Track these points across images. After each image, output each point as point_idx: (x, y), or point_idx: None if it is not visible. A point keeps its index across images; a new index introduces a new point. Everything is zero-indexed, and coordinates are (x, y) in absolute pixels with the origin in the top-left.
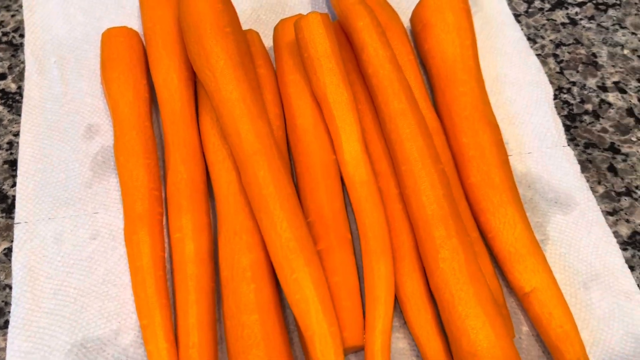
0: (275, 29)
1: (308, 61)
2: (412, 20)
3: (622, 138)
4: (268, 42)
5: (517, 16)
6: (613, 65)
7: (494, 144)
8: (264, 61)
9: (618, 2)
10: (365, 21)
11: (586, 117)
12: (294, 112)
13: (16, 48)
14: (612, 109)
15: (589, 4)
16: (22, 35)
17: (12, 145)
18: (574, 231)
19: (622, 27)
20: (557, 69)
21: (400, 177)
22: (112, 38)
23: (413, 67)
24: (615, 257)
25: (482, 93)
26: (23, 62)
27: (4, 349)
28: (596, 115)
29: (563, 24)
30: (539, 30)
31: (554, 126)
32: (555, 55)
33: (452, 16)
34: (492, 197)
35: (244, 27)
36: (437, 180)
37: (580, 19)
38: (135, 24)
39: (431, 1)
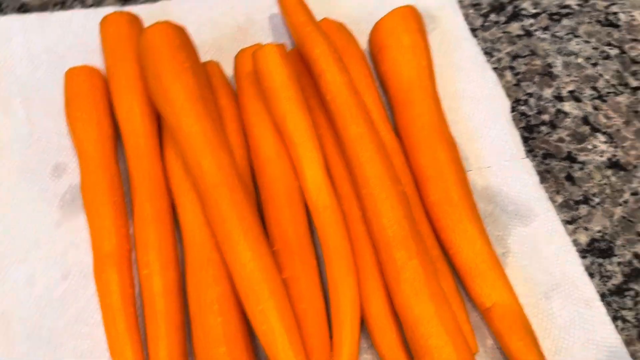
0: (235, 58)
1: (267, 91)
2: (369, 42)
3: (579, 146)
4: (231, 70)
5: (473, 30)
6: (568, 75)
7: (452, 162)
8: (226, 91)
9: (571, 11)
10: (322, 48)
11: (543, 128)
12: (256, 140)
13: None
14: (569, 118)
15: (543, 15)
16: None
17: None
18: (534, 242)
19: (575, 36)
20: (514, 81)
21: (361, 200)
22: (75, 77)
23: (371, 89)
24: (575, 265)
25: (439, 112)
26: None
27: None
28: (553, 125)
29: (519, 35)
30: (495, 43)
31: (512, 139)
32: (512, 68)
33: (407, 38)
34: (452, 215)
35: (206, 57)
36: (397, 201)
37: (535, 30)
38: (98, 61)
39: (387, 24)
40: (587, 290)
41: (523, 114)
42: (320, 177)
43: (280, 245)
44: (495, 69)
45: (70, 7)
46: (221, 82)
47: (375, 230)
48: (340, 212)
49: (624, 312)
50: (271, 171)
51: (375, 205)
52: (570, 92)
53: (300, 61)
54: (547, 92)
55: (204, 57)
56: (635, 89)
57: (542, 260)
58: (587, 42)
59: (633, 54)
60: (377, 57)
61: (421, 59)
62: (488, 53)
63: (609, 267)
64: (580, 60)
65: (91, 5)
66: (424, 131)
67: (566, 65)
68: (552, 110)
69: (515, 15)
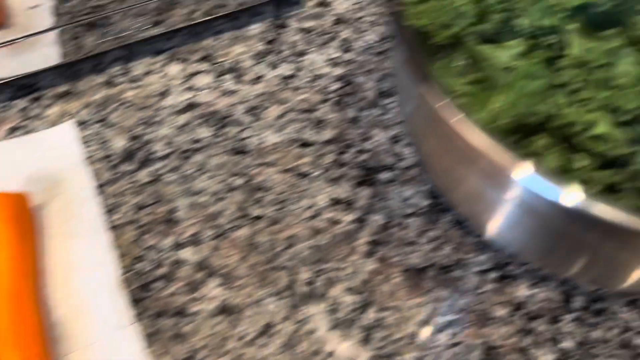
0: None
1: None
2: None
3: (191, 297)
4: None
5: (102, 186)
6: (191, 217)
7: None
8: None
9: (203, 144)
10: None
11: (159, 283)
12: None
13: None
14: (186, 266)
15: (174, 154)
16: None
17: None
18: None
19: (204, 172)
20: (135, 236)
21: None
22: None
23: None
24: None
25: (26, 308)
26: None
27: None
28: (169, 279)
29: (147, 183)
30: (122, 197)
31: (120, 306)
32: (135, 221)
33: None
34: None
35: None
36: None
37: (164, 174)
38: None
39: None
40: None
41: (138, 272)
42: None
43: None
44: (116, 226)
45: None
46: None
47: None
48: None
49: None
50: None
51: None
52: (192, 235)
53: None
54: (168, 242)
55: None
56: (256, 218)
57: None
58: (214, 176)
59: (258, 180)
60: None
61: (6, 250)
62: (113, 209)
63: None
64: (205, 198)
65: None
66: None
67: (191, 206)
68: (170, 261)
69: (146, 161)
